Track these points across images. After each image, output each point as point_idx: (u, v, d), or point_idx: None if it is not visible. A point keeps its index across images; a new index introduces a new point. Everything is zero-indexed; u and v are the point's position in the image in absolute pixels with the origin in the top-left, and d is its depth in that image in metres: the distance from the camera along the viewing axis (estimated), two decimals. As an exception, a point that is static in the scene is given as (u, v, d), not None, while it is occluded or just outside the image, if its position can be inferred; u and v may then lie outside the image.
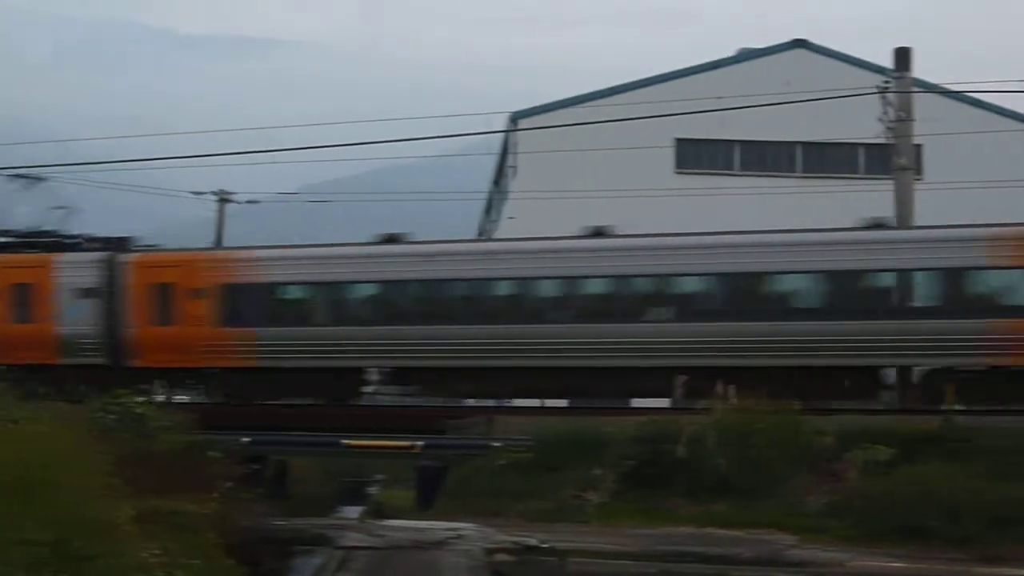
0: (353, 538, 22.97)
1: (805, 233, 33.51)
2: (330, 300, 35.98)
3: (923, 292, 32.96)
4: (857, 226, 33.25)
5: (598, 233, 34.48)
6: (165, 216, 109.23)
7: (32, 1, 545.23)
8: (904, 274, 32.74)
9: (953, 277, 32.15)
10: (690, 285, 33.94)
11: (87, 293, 36.66)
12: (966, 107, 51.10)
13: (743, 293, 33.25)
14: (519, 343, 33.53)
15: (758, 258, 33.16)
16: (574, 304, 34.46)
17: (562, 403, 36.57)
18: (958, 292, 32.13)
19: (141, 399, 27.80)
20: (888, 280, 33.03)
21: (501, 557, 21.51)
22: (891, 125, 36.62)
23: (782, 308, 33.12)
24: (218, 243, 49.11)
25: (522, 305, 34.50)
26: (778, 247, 33.19)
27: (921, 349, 31.81)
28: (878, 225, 33.31)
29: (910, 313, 32.47)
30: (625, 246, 34.04)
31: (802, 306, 33.20)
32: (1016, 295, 31.92)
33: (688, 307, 33.62)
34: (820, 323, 32.29)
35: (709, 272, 33.46)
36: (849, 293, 32.70)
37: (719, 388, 28.61)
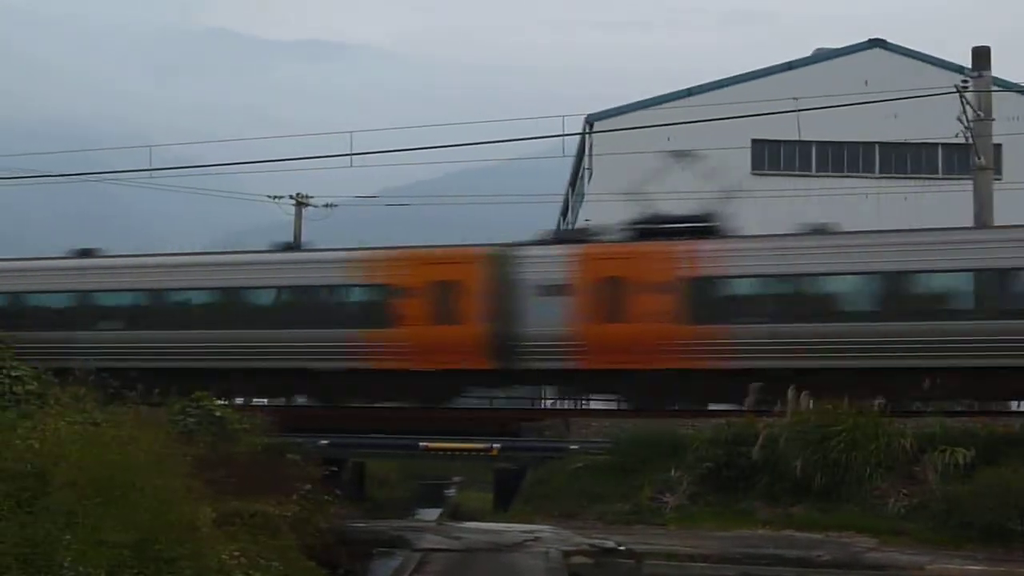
0: (431, 540, 23.05)
1: (206, 255, 39.85)
2: None
3: (309, 306, 37.10)
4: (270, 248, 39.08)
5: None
6: (240, 221, 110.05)
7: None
8: (295, 290, 37.48)
9: (325, 293, 37.35)
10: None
11: None
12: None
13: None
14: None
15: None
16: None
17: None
18: (328, 305, 37.06)
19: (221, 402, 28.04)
20: (278, 296, 37.90)
21: (578, 559, 21.51)
22: (970, 125, 36.26)
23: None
24: (296, 246, 49.44)
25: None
26: (178, 267, 38.74)
27: (299, 354, 36.33)
28: (289, 247, 39.08)
29: (297, 323, 36.77)
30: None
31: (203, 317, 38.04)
32: (370, 308, 36.37)
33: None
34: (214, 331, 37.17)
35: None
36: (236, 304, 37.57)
37: (792, 392, 28.39)
